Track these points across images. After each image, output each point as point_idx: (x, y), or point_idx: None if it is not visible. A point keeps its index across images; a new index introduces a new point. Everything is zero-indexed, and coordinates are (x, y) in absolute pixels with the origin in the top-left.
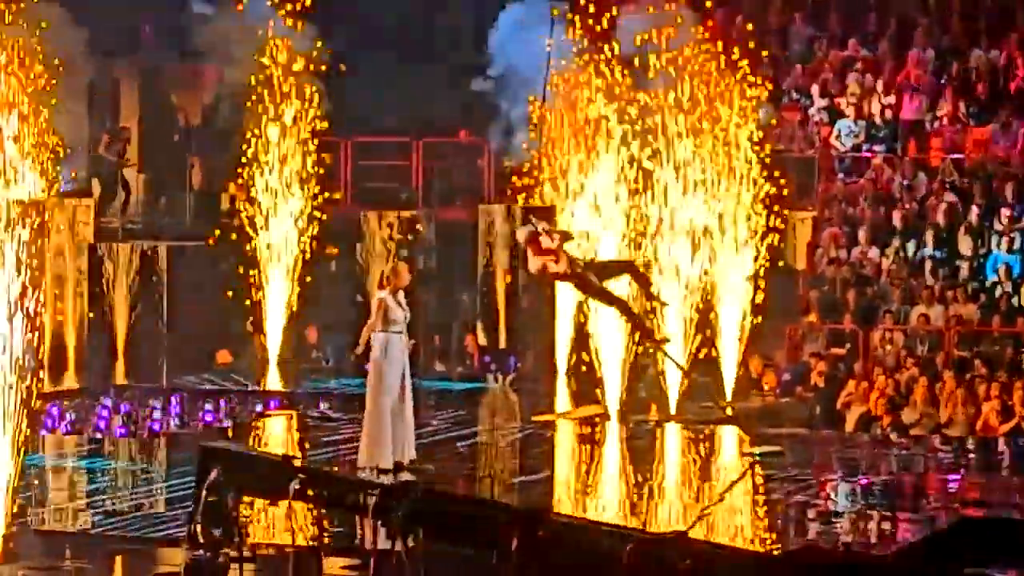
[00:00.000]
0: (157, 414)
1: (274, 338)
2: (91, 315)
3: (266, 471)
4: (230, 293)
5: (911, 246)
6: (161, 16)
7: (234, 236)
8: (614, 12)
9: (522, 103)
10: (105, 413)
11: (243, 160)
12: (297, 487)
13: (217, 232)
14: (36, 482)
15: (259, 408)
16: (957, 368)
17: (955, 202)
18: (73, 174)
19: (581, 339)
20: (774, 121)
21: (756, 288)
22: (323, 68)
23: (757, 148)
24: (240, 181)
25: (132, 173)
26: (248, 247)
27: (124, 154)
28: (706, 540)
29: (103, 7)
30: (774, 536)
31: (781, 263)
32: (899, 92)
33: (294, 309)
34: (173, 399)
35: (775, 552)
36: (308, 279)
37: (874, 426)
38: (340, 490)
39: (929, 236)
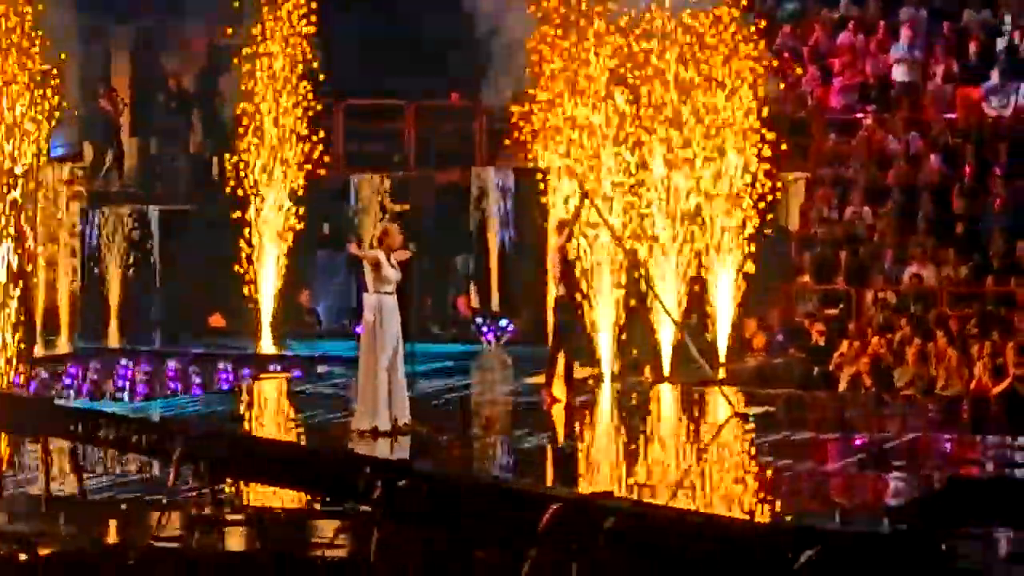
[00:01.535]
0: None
1: (267, 302)
2: (83, 280)
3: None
4: (223, 257)
5: (904, 206)
6: None
7: (227, 200)
8: None
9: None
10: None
11: (235, 124)
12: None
13: (210, 196)
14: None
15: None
16: (949, 328)
17: (947, 162)
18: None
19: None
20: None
21: (749, 249)
22: (312, 30)
23: (751, 106)
24: (232, 145)
25: (126, 137)
26: (240, 211)
27: (121, 108)
28: (633, 500)
29: None
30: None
31: (771, 218)
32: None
33: (286, 273)
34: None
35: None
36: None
37: (865, 387)
38: (94, 425)
39: (923, 196)
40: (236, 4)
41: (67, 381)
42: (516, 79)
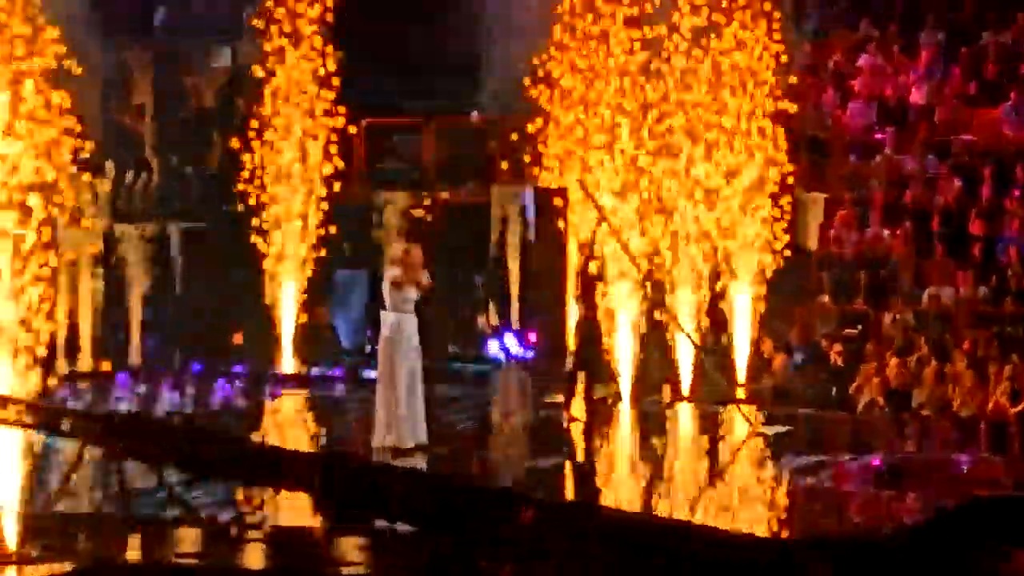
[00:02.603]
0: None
1: (287, 320)
2: (105, 297)
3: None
4: (243, 274)
5: (922, 227)
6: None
7: (247, 218)
8: None
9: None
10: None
11: (256, 142)
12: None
13: (231, 214)
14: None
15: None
16: (967, 350)
17: (965, 183)
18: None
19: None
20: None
21: (768, 269)
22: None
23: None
24: (252, 163)
25: (148, 154)
26: (260, 228)
27: (143, 125)
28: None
29: None
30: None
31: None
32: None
33: (306, 291)
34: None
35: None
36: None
37: (883, 407)
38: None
39: (941, 217)
40: (260, 24)
41: (120, 396)
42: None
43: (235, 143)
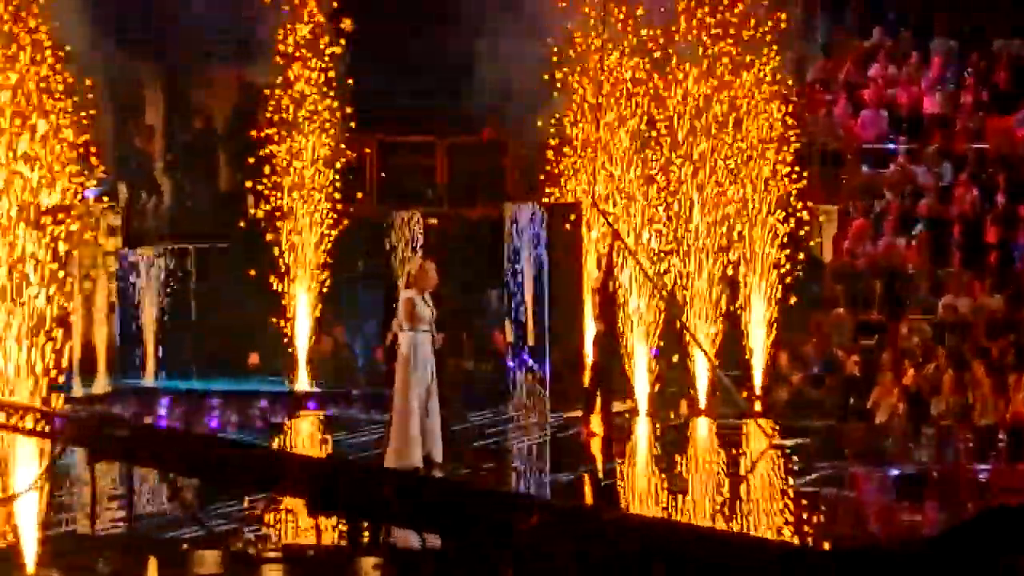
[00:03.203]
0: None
1: (302, 340)
2: (120, 319)
3: None
4: (257, 295)
5: (937, 236)
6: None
7: (264, 237)
8: None
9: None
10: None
11: (268, 162)
12: None
13: (244, 234)
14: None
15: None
16: (985, 358)
17: (980, 192)
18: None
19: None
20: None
21: (783, 281)
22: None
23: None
24: (265, 182)
25: (162, 176)
26: (274, 248)
27: (154, 146)
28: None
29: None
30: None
31: (805, 250)
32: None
33: (321, 310)
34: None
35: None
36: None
37: (901, 417)
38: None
39: (956, 226)
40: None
41: (160, 416)
42: (547, 114)
43: (248, 161)
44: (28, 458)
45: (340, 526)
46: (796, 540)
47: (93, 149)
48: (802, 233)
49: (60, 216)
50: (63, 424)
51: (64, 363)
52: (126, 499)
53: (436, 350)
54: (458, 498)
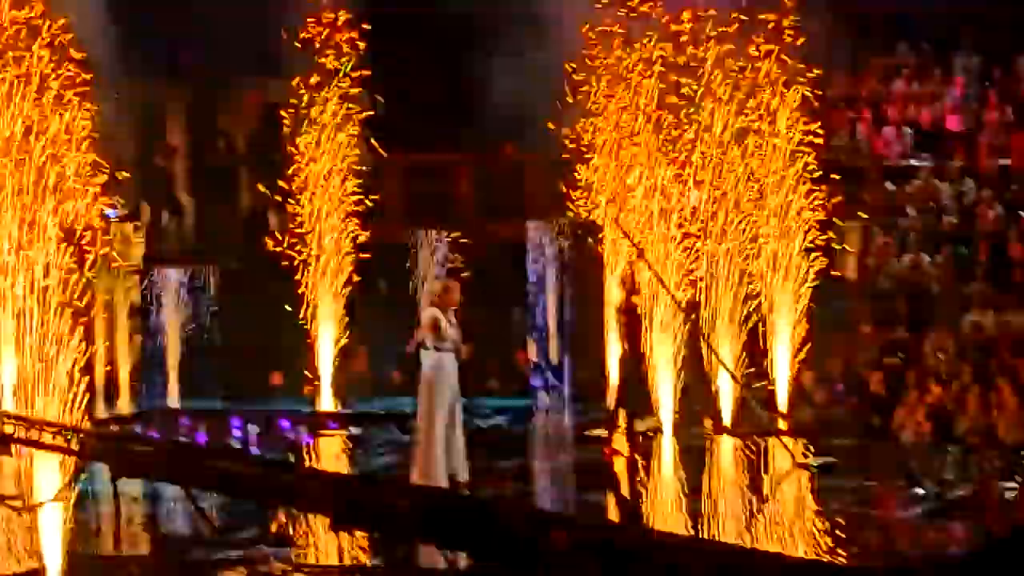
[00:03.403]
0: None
1: (326, 360)
2: (142, 340)
3: None
4: (280, 315)
5: (961, 253)
6: (205, 38)
7: (286, 257)
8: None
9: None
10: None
11: (290, 182)
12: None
13: (266, 254)
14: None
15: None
16: (1011, 375)
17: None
18: (121, 201)
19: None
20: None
21: (808, 299)
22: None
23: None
24: (288, 202)
25: (186, 196)
26: (297, 268)
27: (177, 166)
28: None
29: (148, 30)
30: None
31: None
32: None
33: (344, 330)
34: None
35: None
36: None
37: (926, 435)
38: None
39: (980, 243)
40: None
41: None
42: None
43: (272, 182)
44: (51, 473)
45: (364, 544)
46: (827, 559)
47: (117, 175)
48: (826, 250)
49: (86, 235)
50: (87, 438)
51: (85, 383)
52: (150, 518)
53: (460, 365)
54: (486, 515)
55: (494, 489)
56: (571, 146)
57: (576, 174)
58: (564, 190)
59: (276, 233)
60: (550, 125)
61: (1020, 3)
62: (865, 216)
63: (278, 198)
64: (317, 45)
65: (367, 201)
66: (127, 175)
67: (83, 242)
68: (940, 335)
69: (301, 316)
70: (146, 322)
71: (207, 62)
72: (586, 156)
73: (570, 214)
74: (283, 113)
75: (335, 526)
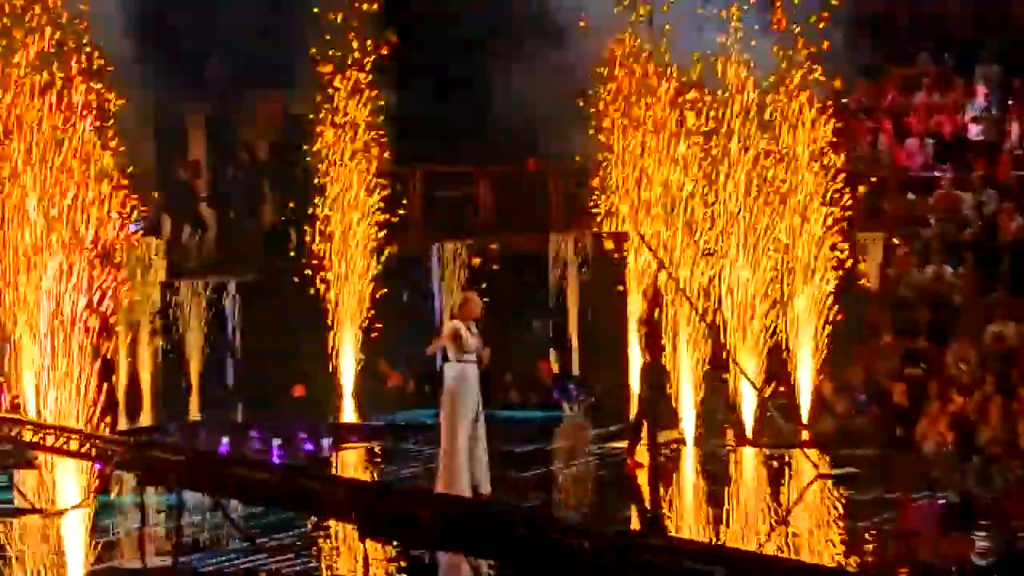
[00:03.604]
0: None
1: (347, 371)
2: (165, 352)
3: None
4: (302, 327)
5: (983, 263)
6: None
7: (304, 270)
8: None
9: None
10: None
11: (311, 194)
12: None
13: (287, 266)
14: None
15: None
16: None
17: None
18: (144, 213)
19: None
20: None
21: (829, 310)
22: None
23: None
24: (309, 214)
25: (207, 210)
26: (318, 280)
27: (198, 179)
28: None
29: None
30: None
31: (850, 278)
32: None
33: (364, 342)
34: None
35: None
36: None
37: (948, 445)
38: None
39: (1002, 254)
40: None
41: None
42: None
43: (292, 194)
44: (75, 481)
45: (390, 552)
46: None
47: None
48: (848, 263)
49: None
50: (112, 446)
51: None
52: (174, 528)
53: (483, 372)
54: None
55: (516, 500)
56: (595, 159)
57: (597, 187)
58: (586, 202)
59: (297, 244)
60: (572, 137)
61: None
62: (886, 227)
63: (301, 216)
64: (339, 58)
65: (392, 217)
66: (151, 192)
67: (110, 256)
68: (962, 345)
69: (323, 328)
70: (167, 335)
71: (228, 73)
72: (608, 169)
73: (593, 227)
74: (305, 124)
75: (362, 535)
